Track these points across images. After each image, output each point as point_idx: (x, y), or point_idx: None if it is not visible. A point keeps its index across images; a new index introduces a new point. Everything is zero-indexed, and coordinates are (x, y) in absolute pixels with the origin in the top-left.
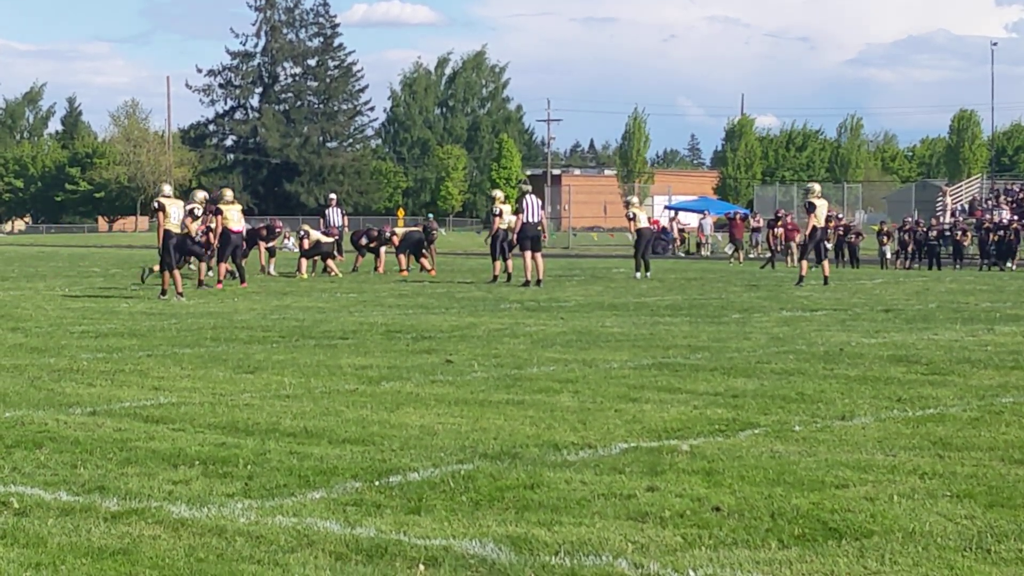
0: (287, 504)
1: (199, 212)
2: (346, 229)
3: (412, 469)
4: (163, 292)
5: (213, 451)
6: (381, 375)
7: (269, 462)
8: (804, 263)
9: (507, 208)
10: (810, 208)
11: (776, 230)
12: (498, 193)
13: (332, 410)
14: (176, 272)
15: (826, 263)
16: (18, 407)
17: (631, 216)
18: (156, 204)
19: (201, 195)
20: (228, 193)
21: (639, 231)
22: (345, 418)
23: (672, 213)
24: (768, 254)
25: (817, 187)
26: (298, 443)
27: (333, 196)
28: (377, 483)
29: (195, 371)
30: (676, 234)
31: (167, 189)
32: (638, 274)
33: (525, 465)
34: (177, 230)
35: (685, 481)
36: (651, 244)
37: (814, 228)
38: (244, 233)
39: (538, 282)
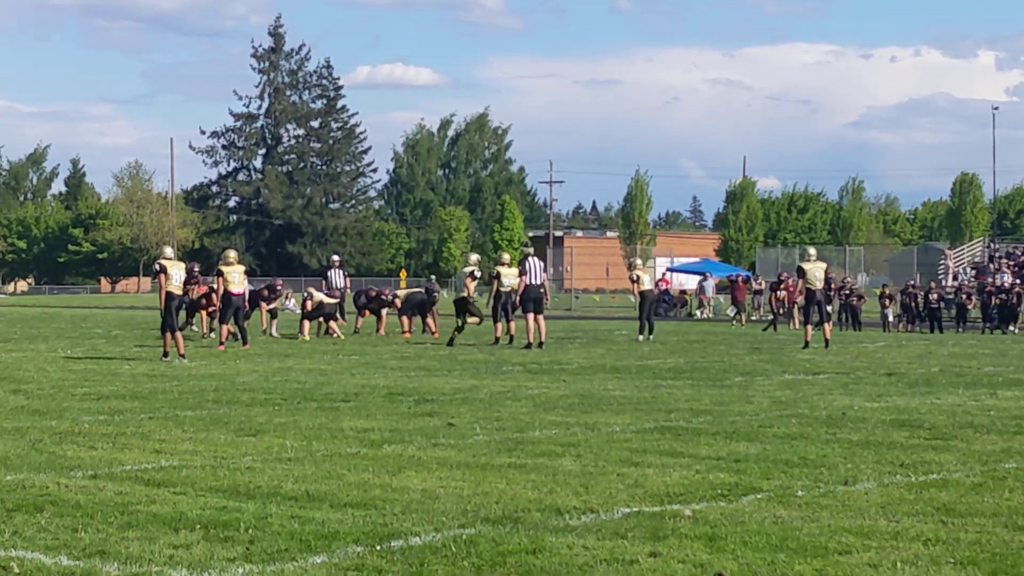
0: (288, 569)
1: (478, 273)
2: (348, 291)
3: (414, 533)
4: (165, 354)
5: (214, 515)
6: (383, 438)
7: (270, 526)
8: (808, 327)
9: (509, 271)
10: (800, 273)
11: (779, 293)
12: (505, 256)
13: (334, 473)
14: (178, 334)
15: (828, 326)
16: (19, 470)
17: (635, 278)
18: (158, 266)
19: (475, 257)
20: (231, 254)
21: (642, 293)
22: (347, 482)
23: (701, 276)
24: (770, 316)
25: (812, 251)
26: (300, 507)
27: (336, 257)
28: (379, 548)
29: (197, 434)
30: (712, 293)
31: (168, 251)
32: (641, 336)
33: (527, 530)
34: (179, 292)
35: (688, 546)
36: (655, 306)
37: (810, 291)
38: (246, 295)
39: (540, 344)
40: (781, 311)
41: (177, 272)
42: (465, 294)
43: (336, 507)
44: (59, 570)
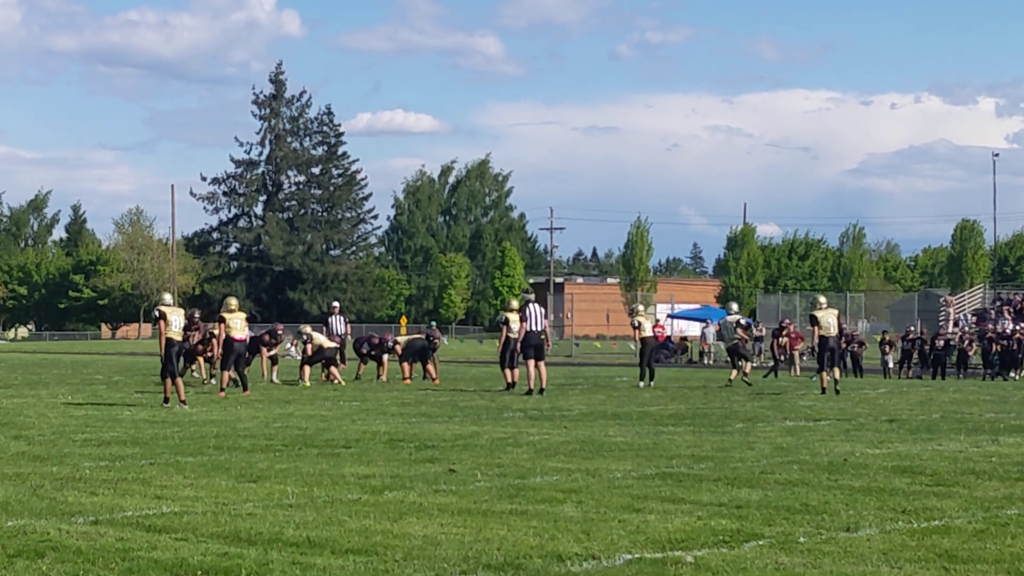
0: None
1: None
2: (349, 337)
3: None
4: (166, 400)
5: (215, 561)
6: (384, 484)
7: (272, 572)
8: (823, 375)
9: (517, 317)
10: (812, 321)
11: (780, 339)
12: (514, 303)
13: (335, 520)
14: (179, 380)
15: (836, 371)
16: (20, 516)
17: (636, 324)
18: (157, 313)
19: (735, 306)
20: (232, 301)
21: (643, 340)
22: (348, 528)
23: (703, 323)
24: (771, 363)
25: (823, 299)
26: (301, 553)
27: (336, 304)
28: None
29: (198, 480)
30: (713, 340)
31: (167, 298)
32: (642, 383)
33: None
34: (179, 339)
35: None
36: (655, 353)
37: (824, 338)
38: (248, 341)
39: (541, 391)
40: (783, 358)
41: (177, 318)
42: (737, 340)
43: (337, 553)
44: None
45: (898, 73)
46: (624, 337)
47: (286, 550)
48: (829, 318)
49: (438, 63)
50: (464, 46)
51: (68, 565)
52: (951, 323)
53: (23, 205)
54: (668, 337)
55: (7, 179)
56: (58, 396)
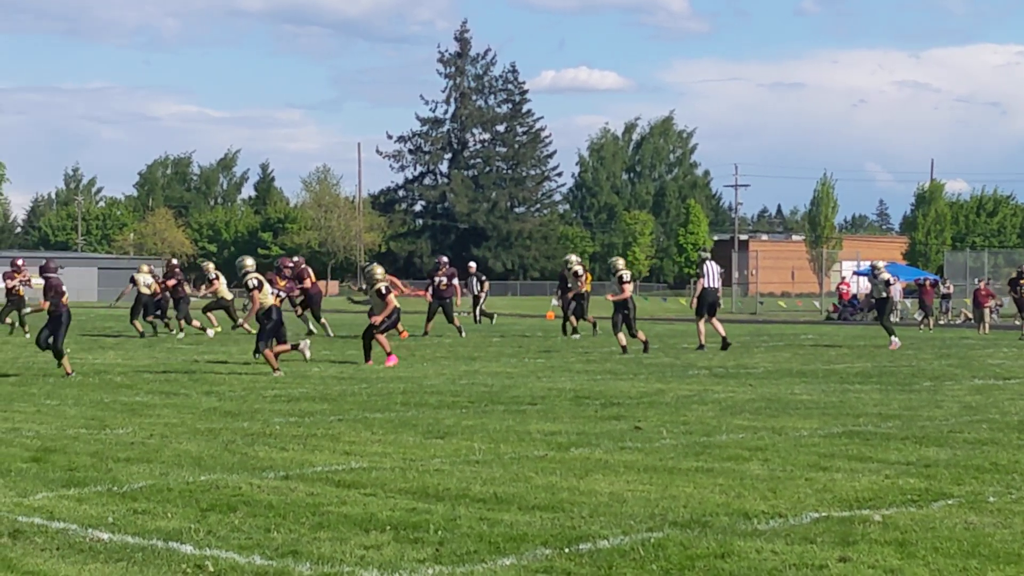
0: (478, 570)
1: None
2: (483, 296)
3: (602, 536)
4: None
5: (404, 516)
6: (570, 441)
7: (460, 528)
8: None
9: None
10: None
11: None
12: (572, 257)
13: (521, 476)
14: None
15: None
16: (213, 471)
17: (889, 281)
18: (386, 286)
19: None
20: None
21: (886, 299)
22: (534, 484)
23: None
24: (961, 320)
25: None
26: (488, 509)
27: (472, 264)
28: (567, 550)
29: (385, 436)
30: (899, 297)
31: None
32: (895, 338)
33: (715, 534)
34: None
35: (878, 552)
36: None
37: None
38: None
39: (725, 345)
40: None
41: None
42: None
43: (524, 509)
44: (252, 569)
45: None
46: (809, 295)
47: (473, 506)
48: None
49: (622, 20)
50: (648, 3)
51: (260, 519)
52: None
53: (213, 164)
54: (854, 295)
55: (197, 138)
56: (248, 353)
